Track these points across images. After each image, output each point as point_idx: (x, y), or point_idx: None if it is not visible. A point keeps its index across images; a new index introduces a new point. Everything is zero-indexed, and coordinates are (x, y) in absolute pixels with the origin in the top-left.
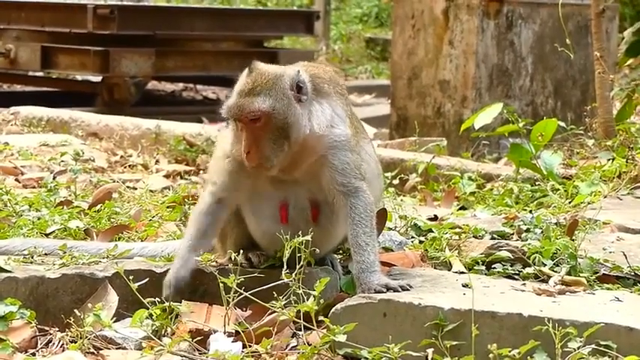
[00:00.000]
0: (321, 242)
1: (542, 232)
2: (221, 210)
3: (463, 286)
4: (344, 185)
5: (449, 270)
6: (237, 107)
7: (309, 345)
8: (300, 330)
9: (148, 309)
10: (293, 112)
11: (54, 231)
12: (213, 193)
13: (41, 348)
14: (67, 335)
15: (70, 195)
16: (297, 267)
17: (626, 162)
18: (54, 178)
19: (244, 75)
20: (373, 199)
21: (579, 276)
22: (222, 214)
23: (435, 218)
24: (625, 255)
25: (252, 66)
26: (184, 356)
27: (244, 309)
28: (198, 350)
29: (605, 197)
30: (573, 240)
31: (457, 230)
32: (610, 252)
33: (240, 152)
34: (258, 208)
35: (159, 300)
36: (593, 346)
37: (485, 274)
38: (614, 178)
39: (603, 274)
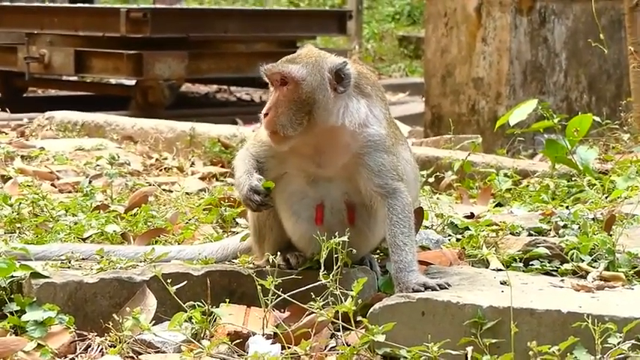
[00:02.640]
0: (358, 244)
1: (579, 227)
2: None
3: (501, 283)
4: (381, 187)
5: (486, 267)
6: (273, 66)
7: (348, 345)
8: (339, 330)
9: (186, 312)
10: (322, 94)
11: (91, 235)
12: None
13: (80, 353)
14: (106, 340)
15: (106, 199)
16: (335, 268)
17: None
18: (90, 182)
19: None
20: (411, 200)
21: (617, 271)
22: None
23: (471, 216)
24: None
25: (305, 45)
26: (224, 359)
27: (282, 310)
28: (237, 353)
29: None
30: (611, 235)
31: (494, 227)
32: None
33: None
34: (295, 210)
35: (198, 303)
36: (633, 341)
37: (523, 270)
38: None
39: None
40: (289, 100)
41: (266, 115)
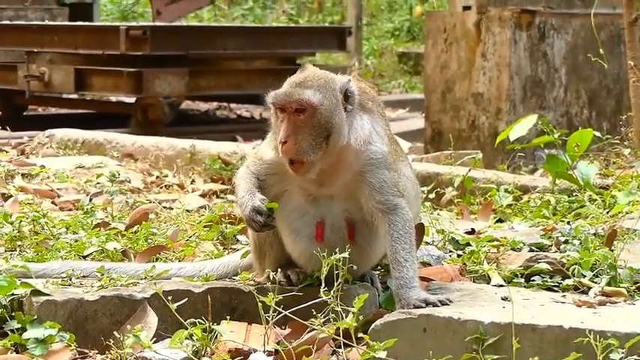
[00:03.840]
0: (358, 261)
1: (580, 243)
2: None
3: (503, 299)
4: (382, 203)
5: (488, 283)
6: (286, 94)
7: None
8: (340, 347)
9: (187, 329)
10: (339, 115)
11: (91, 253)
12: (250, 169)
13: None
14: (107, 357)
15: (106, 217)
16: (335, 284)
17: None
18: (90, 200)
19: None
20: (412, 215)
21: (619, 286)
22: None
23: (472, 232)
24: None
25: (305, 65)
26: None
27: (283, 327)
28: None
29: None
30: (612, 250)
31: (495, 243)
32: None
33: (277, 148)
34: (295, 227)
35: (199, 320)
36: (635, 357)
37: (525, 286)
38: None
39: None
40: (308, 126)
41: (284, 143)
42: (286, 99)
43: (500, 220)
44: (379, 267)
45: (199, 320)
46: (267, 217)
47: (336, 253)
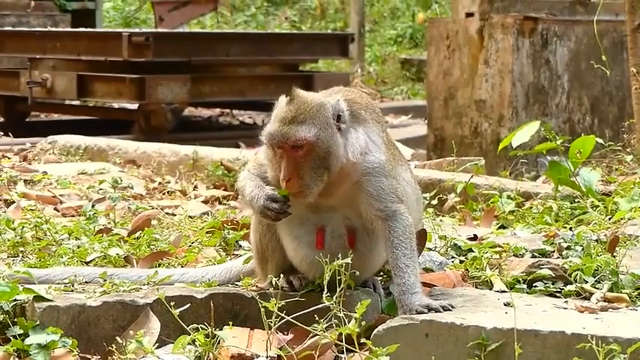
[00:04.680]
0: (360, 267)
1: (582, 249)
2: None
3: (505, 305)
4: (381, 210)
5: (490, 289)
6: (282, 135)
7: None
8: (343, 353)
9: (189, 335)
10: (335, 142)
11: (94, 259)
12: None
13: None
14: None
15: (109, 223)
16: (338, 290)
17: None
18: (93, 206)
19: (284, 102)
20: (412, 221)
21: (621, 292)
22: None
23: (474, 238)
24: None
25: (293, 93)
26: None
27: (286, 333)
28: None
29: None
30: (614, 256)
31: (497, 249)
32: None
33: (276, 179)
34: (296, 235)
35: (202, 326)
36: None
37: (527, 292)
38: None
39: None
40: (307, 161)
41: (288, 180)
42: (282, 140)
43: (502, 227)
44: (381, 273)
45: (202, 326)
46: (283, 203)
47: (338, 259)
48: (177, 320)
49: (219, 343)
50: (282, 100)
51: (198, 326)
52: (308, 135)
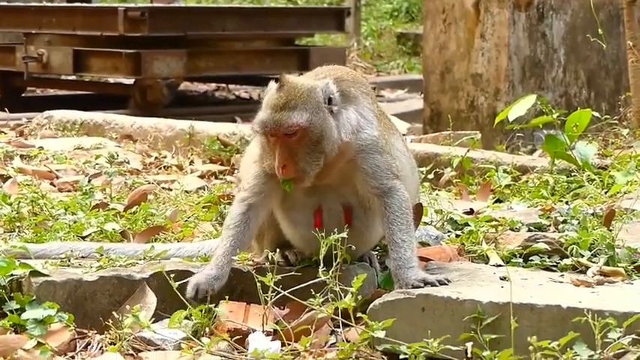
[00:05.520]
0: (357, 244)
1: (579, 223)
2: (254, 217)
3: (501, 279)
4: (377, 188)
5: (486, 263)
6: (274, 122)
7: (348, 342)
8: (339, 327)
9: (186, 309)
10: (328, 125)
11: (90, 234)
12: (245, 199)
13: (80, 351)
14: (106, 338)
15: (105, 197)
16: (334, 264)
17: None
18: (89, 181)
19: (274, 89)
20: (408, 196)
21: (617, 266)
22: (255, 220)
23: (471, 212)
24: None
25: (282, 80)
26: (224, 356)
27: (282, 307)
28: (237, 350)
29: None
30: (610, 230)
31: (493, 223)
32: None
33: (272, 166)
34: (293, 216)
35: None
36: (634, 336)
37: (523, 266)
38: None
39: None
40: (301, 146)
41: (283, 167)
42: (274, 127)
43: (498, 201)
44: (378, 247)
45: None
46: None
47: (335, 233)
48: (173, 295)
49: (215, 317)
50: (272, 86)
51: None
52: (300, 120)
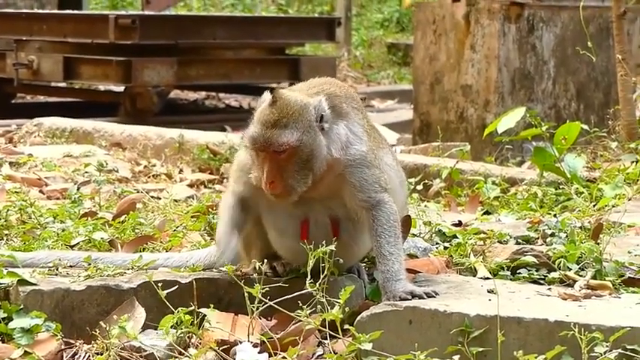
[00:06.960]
0: (344, 256)
1: (566, 236)
2: (246, 208)
3: (488, 291)
4: (365, 201)
5: (474, 276)
6: (265, 139)
7: (335, 353)
8: (326, 339)
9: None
10: (318, 144)
11: (78, 243)
12: (235, 193)
13: None
14: (93, 347)
15: (94, 206)
16: (322, 276)
17: None
18: (78, 189)
19: (266, 103)
20: (397, 208)
21: (605, 280)
22: (247, 211)
23: (459, 224)
24: None
25: (276, 95)
26: None
27: (269, 318)
28: None
29: (630, 200)
30: (598, 244)
31: (482, 236)
32: (635, 255)
33: (259, 180)
34: (280, 226)
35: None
36: (620, 350)
37: (511, 279)
38: (638, 180)
39: (629, 277)
40: (290, 164)
41: (271, 182)
42: (264, 144)
43: (487, 213)
44: (366, 259)
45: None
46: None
47: (323, 245)
48: (160, 305)
49: (202, 326)
50: (265, 98)
51: (180, 309)
52: (291, 140)
